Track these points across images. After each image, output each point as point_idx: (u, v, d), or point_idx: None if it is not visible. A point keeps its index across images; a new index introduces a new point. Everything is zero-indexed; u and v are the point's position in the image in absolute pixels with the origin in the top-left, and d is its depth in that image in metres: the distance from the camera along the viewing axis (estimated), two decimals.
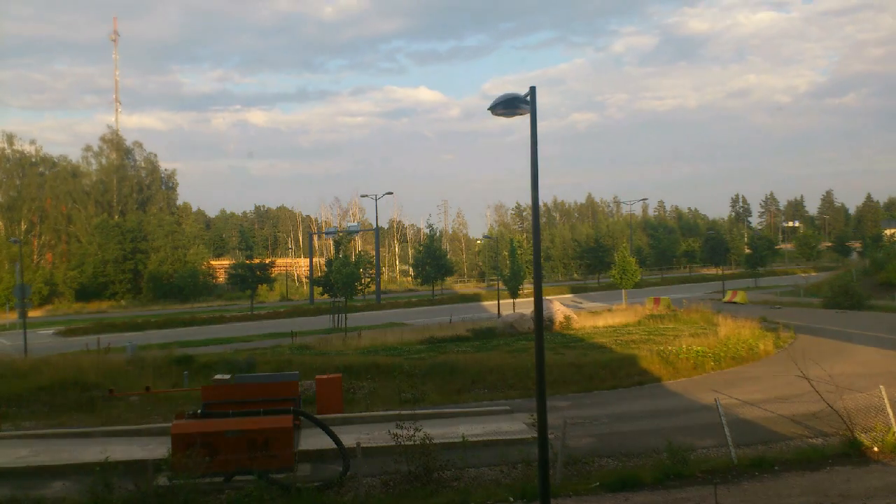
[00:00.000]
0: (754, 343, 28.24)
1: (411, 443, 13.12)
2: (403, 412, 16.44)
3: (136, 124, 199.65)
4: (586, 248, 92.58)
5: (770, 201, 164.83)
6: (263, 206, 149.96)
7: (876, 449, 13.96)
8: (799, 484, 12.37)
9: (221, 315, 58.69)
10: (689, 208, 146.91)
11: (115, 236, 79.68)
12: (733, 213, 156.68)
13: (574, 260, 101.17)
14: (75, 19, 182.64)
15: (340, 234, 62.06)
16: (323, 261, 68.92)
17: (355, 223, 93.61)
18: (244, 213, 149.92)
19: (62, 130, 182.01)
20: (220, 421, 13.93)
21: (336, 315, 45.59)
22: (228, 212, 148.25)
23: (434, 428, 15.14)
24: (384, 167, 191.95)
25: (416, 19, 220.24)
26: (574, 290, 75.04)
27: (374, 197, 72.39)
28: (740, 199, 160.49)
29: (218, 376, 19.04)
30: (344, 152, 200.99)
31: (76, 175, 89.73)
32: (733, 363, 25.59)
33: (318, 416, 16.22)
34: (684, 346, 26.32)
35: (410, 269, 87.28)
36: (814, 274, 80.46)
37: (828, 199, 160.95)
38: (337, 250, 50.70)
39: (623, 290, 56.74)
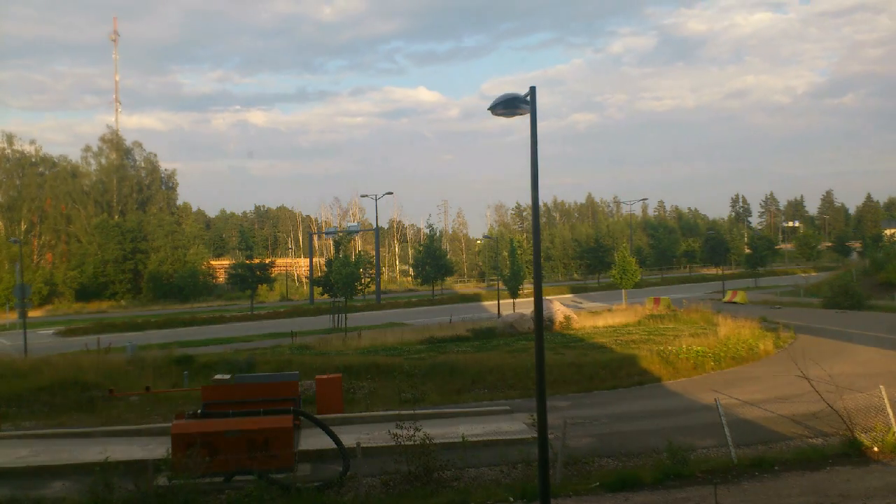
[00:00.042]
0: (754, 343, 28.24)
1: (411, 443, 13.12)
2: (403, 412, 16.43)
3: (135, 124, 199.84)
4: (586, 248, 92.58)
5: (770, 201, 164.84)
6: (263, 206, 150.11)
7: (876, 449, 13.96)
8: (799, 484, 12.37)
9: (221, 315, 58.69)
10: (689, 208, 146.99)
11: (114, 236, 79.68)
12: (733, 213, 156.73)
13: (574, 260, 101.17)
14: (76, 20, 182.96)
15: (340, 234, 62.07)
16: (323, 261, 68.93)
17: (355, 223, 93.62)
18: (244, 213, 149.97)
19: (62, 131, 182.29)
20: (220, 421, 13.93)
21: (336, 315, 45.59)
22: (228, 212, 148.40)
23: (434, 428, 15.14)
24: (384, 167, 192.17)
25: (415, 20, 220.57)
26: (574, 290, 75.02)
27: (374, 197, 72.46)
28: (740, 199, 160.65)
29: (218, 376, 19.05)
30: (344, 152, 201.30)
31: (76, 175, 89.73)
32: (733, 363, 25.59)
33: (318, 416, 16.22)
34: (684, 346, 26.32)
35: (410, 269, 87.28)
36: (814, 274, 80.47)
37: (828, 199, 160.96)
38: (337, 250, 50.71)
39: (623, 290, 56.74)
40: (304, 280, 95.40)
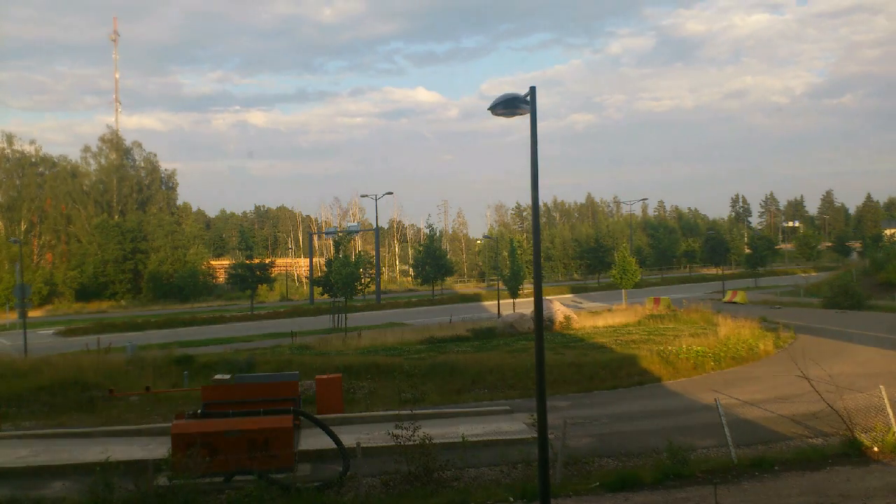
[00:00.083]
0: (754, 343, 28.24)
1: (411, 443, 13.13)
2: (403, 412, 16.45)
3: (135, 125, 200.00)
4: (586, 248, 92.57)
5: (770, 201, 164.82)
6: (263, 206, 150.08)
7: (876, 449, 13.96)
8: (799, 484, 12.37)
9: (221, 315, 58.68)
10: (689, 208, 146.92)
11: (114, 236, 79.68)
12: (733, 213, 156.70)
13: (574, 260, 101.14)
14: (76, 21, 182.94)
15: (340, 234, 62.05)
16: (323, 261, 68.91)
17: (355, 223, 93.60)
18: (244, 213, 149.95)
19: (62, 131, 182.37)
20: (220, 421, 13.93)
21: (336, 315, 45.59)
22: (228, 212, 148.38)
23: (434, 428, 15.14)
24: (384, 167, 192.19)
25: (415, 21, 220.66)
26: (574, 290, 75.02)
27: (374, 197, 72.46)
28: (740, 199, 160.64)
29: (218, 376, 19.05)
30: (344, 152, 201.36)
31: (76, 175, 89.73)
32: (733, 363, 25.59)
33: (318, 416, 16.22)
34: (684, 346, 26.32)
35: (410, 269, 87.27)
36: (814, 274, 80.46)
37: (828, 199, 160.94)
38: (337, 250, 50.66)
39: (623, 290, 56.73)
40: (304, 280, 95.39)
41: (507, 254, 61.82)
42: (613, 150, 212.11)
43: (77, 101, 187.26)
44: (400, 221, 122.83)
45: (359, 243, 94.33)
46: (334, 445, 14.14)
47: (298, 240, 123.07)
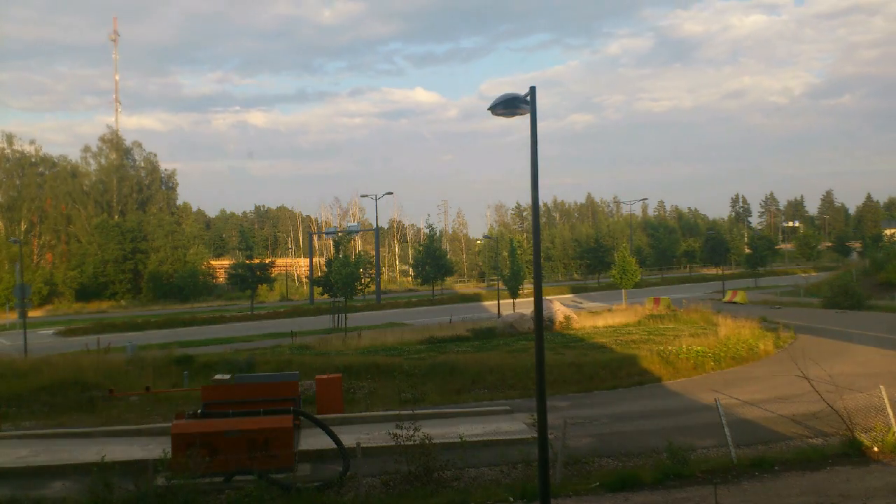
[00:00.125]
0: (754, 343, 28.24)
1: (411, 443, 13.12)
2: (403, 412, 16.43)
3: (135, 125, 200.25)
4: (586, 248, 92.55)
5: (770, 201, 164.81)
6: (263, 206, 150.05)
7: (876, 449, 13.96)
8: (799, 484, 12.37)
9: (221, 315, 58.68)
10: (690, 208, 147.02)
11: (114, 236, 79.68)
12: (733, 213, 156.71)
13: (574, 260, 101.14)
14: (76, 22, 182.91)
15: (340, 234, 62.05)
16: (323, 261, 68.91)
17: (355, 223, 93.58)
18: (244, 213, 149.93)
19: (62, 131, 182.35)
20: (219, 421, 13.93)
21: (336, 315, 45.58)
22: (228, 212, 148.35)
23: (434, 428, 15.14)
24: (384, 167, 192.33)
25: (414, 22, 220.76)
26: (574, 290, 75.01)
27: (374, 197, 72.45)
28: (740, 199, 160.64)
29: (218, 376, 19.04)
30: (343, 153, 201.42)
31: (76, 175, 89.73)
32: (733, 363, 25.59)
33: (318, 416, 16.22)
34: (684, 346, 26.31)
35: (410, 269, 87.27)
36: (814, 274, 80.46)
37: (828, 199, 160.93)
38: (337, 250, 50.66)
39: (623, 290, 56.72)
40: (304, 280, 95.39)
41: (507, 254, 61.82)
42: (613, 151, 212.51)
43: (77, 102, 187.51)
44: (400, 221, 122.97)
45: (359, 243, 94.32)
46: (334, 445, 14.13)
47: (298, 240, 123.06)
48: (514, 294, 55.85)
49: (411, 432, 13.25)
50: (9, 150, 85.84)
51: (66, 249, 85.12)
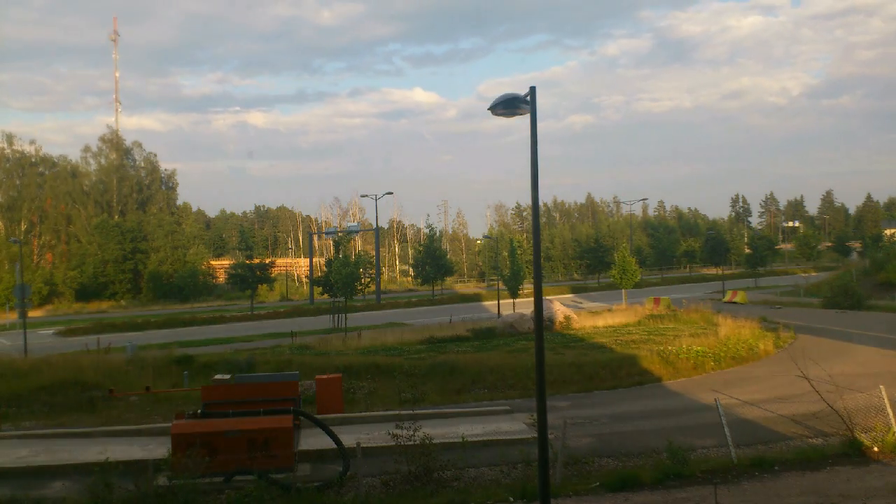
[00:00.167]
0: (754, 343, 28.23)
1: (411, 443, 13.12)
2: (403, 412, 16.41)
3: (135, 125, 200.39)
4: (586, 248, 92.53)
5: (770, 201, 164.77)
6: (263, 206, 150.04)
7: (876, 449, 13.96)
8: (799, 484, 12.37)
9: (221, 315, 58.67)
10: (690, 208, 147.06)
11: (114, 236, 79.67)
12: (733, 213, 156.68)
13: (574, 260, 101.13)
14: (76, 22, 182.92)
15: (340, 234, 62.04)
16: (323, 261, 68.90)
17: (355, 223, 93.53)
18: (244, 213, 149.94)
19: (62, 132, 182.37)
20: (219, 421, 13.93)
21: (336, 315, 45.57)
22: (228, 212, 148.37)
23: (434, 428, 15.14)
24: (384, 167, 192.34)
25: (412, 23, 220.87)
26: (574, 290, 75.01)
27: (374, 197, 72.44)
28: (740, 199, 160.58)
29: (218, 376, 19.04)
30: (343, 153, 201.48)
31: (76, 175, 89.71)
32: (733, 363, 25.59)
33: (318, 416, 16.22)
34: (684, 346, 26.31)
35: (410, 269, 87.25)
36: (814, 274, 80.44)
37: (828, 199, 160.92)
38: (337, 250, 50.65)
39: (623, 290, 56.71)
40: (304, 280, 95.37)
41: (507, 254, 61.81)
42: (613, 151, 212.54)
43: (77, 102, 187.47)
44: (400, 221, 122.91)
45: (359, 243, 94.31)
46: (334, 445, 14.13)
47: (298, 240, 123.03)
48: (514, 294, 55.84)
49: (411, 432, 13.25)
50: (9, 150, 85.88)
51: (66, 249, 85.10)
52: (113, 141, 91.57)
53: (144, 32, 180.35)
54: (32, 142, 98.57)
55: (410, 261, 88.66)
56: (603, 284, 79.92)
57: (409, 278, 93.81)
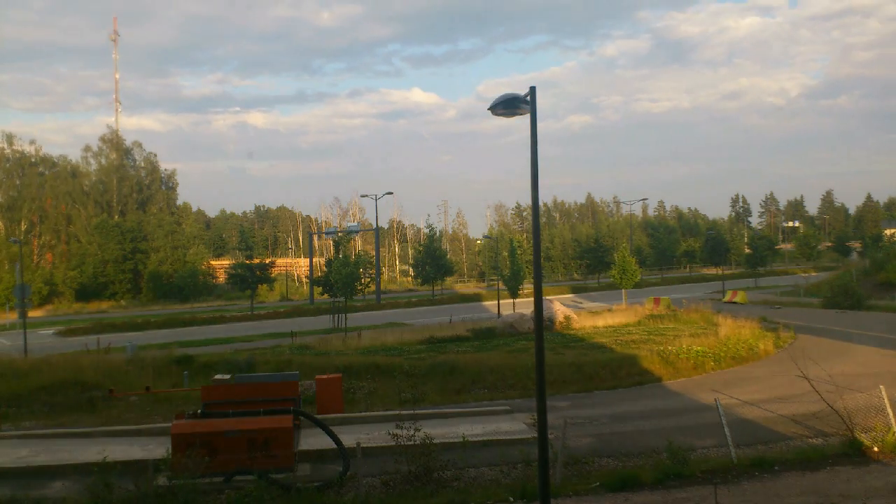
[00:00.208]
0: (754, 343, 28.23)
1: (411, 443, 13.12)
2: (403, 412, 16.43)
3: (135, 126, 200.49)
4: (586, 248, 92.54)
5: (770, 201, 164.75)
6: (263, 206, 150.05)
7: (876, 449, 13.96)
8: (799, 484, 12.37)
9: (221, 315, 58.67)
10: (690, 208, 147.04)
11: (114, 236, 79.66)
12: (733, 213, 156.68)
13: (574, 260, 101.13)
14: (76, 23, 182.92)
15: (340, 235, 62.04)
16: (323, 261, 68.90)
17: (355, 223, 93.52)
18: (244, 213, 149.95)
19: (63, 132, 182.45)
20: (219, 421, 13.92)
21: (336, 315, 45.57)
22: (228, 212, 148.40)
23: (434, 428, 15.13)
24: (383, 167, 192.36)
25: (411, 24, 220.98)
26: (574, 290, 75.00)
27: (373, 197, 72.43)
28: (740, 199, 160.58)
29: (218, 376, 19.04)
30: (343, 153, 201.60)
31: (76, 175, 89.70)
32: (733, 363, 25.58)
33: (318, 416, 16.22)
34: (684, 346, 26.31)
35: (410, 269, 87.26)
36: (814, 274, 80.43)
37: (828, 199, 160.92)
38: (337, 250, 50.65)
39: (623, 290, 56.70)
40: (304, 280, 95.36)
41: (507, 254, 61.80)
42: (612, 151, 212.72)
43: (77, 103, 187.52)
44: (400, 221, 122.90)
45: (359, 243, 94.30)
46: (334, 445, 14.13)
47: (298, 240, 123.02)
48: (514, 294, 55.84)
49: (411, 432, 13.25)
50: (9, 150, 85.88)
51: (66, 249, 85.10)
52: (113, 141, 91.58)
53: (144, 33, 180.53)
54: (32, 142, 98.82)
55: (410, 261, 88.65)
56: (603, 284, 79.92)
57: (409, 278, 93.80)
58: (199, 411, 14.97)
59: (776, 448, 14.77)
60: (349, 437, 14.90)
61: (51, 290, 74.90)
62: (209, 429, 13.55)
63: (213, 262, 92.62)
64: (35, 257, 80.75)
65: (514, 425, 17.16)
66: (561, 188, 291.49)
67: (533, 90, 9.26)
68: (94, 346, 32.75)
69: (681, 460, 13.27)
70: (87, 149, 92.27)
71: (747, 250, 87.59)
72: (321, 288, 51.92)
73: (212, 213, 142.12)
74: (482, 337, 35.32)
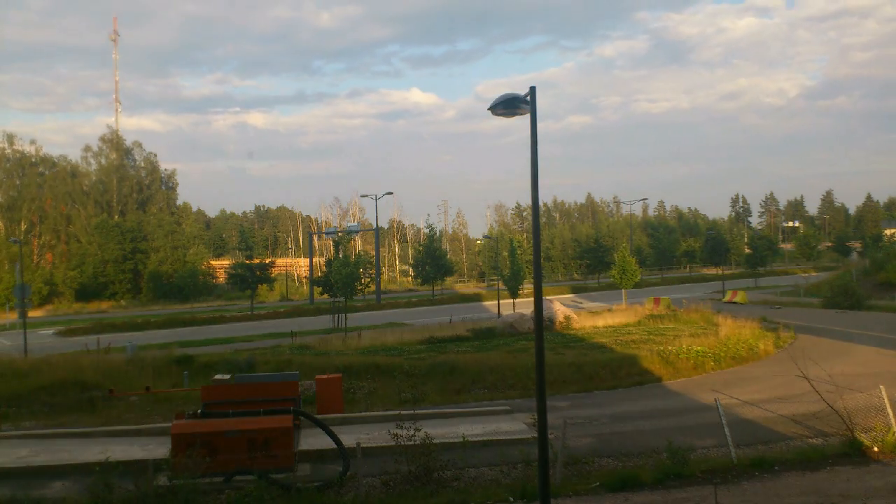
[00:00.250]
0: (754, 343, 28.23)
1: (411, 443, 13.12)
2: (403, 412, 16.43)
3: (135, 126, 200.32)
4: (586, 248, 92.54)
5: (770, 201, 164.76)
6: (263, 206, 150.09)
7: (876, 449, 13.96)
8: (799, 484, 12.37)
9: (221, 315, 58.66)
10: (690, 208, 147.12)
11: (114, 236, 79.65)
12: (733, 213, 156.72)
13: (574, 260, 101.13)
14: (77, 24, 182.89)
15: (340, 235, 62.04)
16: (323, 261, 68.88)
17: (355, 223, 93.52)
18: (244, 213, 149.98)
19: (63, 132, 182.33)
20: (220, 421, 13.92)
21: (336, 315, 45.57)
22: (228, 212, 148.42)
23: (434, 428, 15.13)
24: (383, 168, 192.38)
25: (410, 24, 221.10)
26: (574, 290, 75.00)
27: (373, 197, 72.42)
28: (740, 199, 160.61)
29: (218, 376, 19.04)
30: (343, 153, 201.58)
31: (76, 175, 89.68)
32: (733, 363, 25.59)
33: (318, 416, 16.22)
34: (684, 346, 26.31)
35: (410, 269, 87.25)
36: (814, 274, 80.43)
37: (828, 199, 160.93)
38: (337, 250, 50.64)
39: (623, 290, 56.70)
40: (304, 280, 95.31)
41: (507, 254, 61.79)
42: (612, 151, 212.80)
43: (77, 103, 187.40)
44: (400, 221, 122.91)
45: (359, 243, 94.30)
46: (334, 445, 14.13)
47: (298, 240, 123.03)
48: (514, 294, 55.83)
49: (411, 432, 13.25)
50: (9, 150, 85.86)
51: (66, 249, 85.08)
52: (113, 141, 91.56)
53: (144, 34, 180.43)
54: (33, 142, 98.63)
55: (410, 261, 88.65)
56: (603, 284, 79.91)
57: (409, 278, 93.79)
58: (199, 411, 14.97)
59: (776, 448, 14.77)
60: (349, 437, 14.90)
61: (51, 290, 74.89)
62: (209, 429, 13.55)
63: (213, 262, 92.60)
64: (35, 257, 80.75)
65: (514, 425, 17.16)
66: (561, 188, 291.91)
67: (533, 90, 9.26)
68: (94, 346, 32.73)
69: (681, 460, 13.27)
70: (87, 149, 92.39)
71: (747, 250, 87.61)
72: (321, 288, 51.87)
73: (212, 213, 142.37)
74: (482, 337, 35.32)
